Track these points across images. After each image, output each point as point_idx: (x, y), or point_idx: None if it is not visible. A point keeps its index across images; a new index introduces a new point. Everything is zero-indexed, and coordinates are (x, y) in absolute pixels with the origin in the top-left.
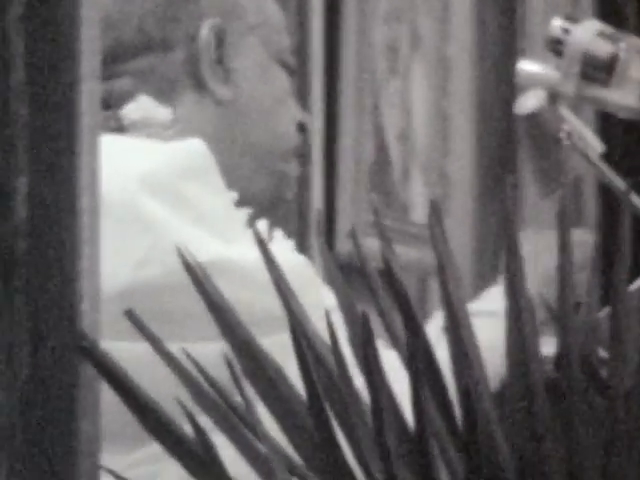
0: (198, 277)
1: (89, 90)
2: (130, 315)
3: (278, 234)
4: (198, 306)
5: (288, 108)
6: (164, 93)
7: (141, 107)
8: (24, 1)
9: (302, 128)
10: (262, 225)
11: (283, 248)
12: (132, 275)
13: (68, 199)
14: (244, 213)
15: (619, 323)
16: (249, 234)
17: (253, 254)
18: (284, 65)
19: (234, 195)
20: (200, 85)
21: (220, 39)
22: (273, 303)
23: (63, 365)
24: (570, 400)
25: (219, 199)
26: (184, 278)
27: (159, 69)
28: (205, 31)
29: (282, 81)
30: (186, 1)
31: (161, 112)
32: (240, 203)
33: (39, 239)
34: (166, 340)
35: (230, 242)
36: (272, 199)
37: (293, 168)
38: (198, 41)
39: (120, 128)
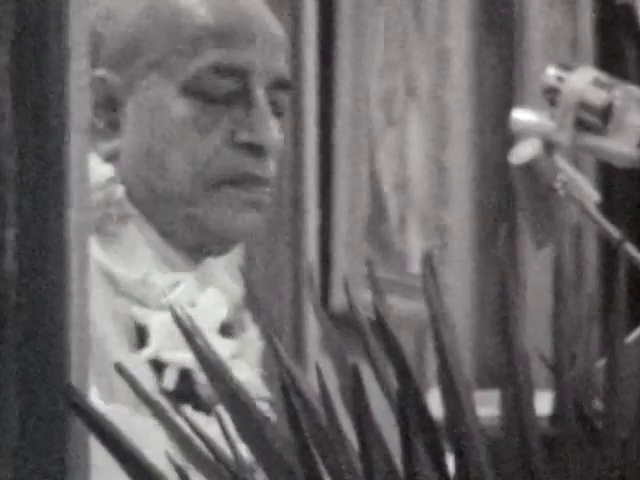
0: (189, 332)
1: (78, 141)
2: (119, 368)
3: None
4: None
5: (184, 148)
6: (102, 139)
7: None
8: (11, 50)
9: (256, 150)
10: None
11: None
12: None
13: (57, 252)
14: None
15: (615, 374)
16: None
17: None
18: (196, 93)
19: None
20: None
21: (106, 91)
22: None
23: (52, 419)
24: (565, 451)
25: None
26: None
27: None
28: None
29: (180, 120)
30: (91, 47)
31: (100, 172)
32: (177, 247)
33: (28, 291)
34: None
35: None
36: (197, 244)
37: (208, 210)
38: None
39: None
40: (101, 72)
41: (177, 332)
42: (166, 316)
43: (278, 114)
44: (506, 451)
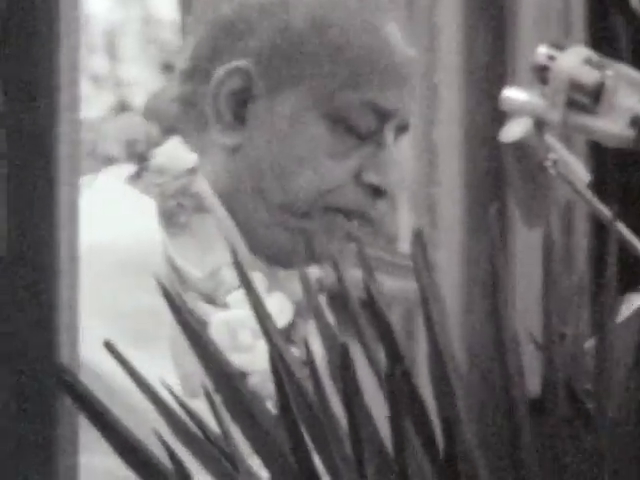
0: (175, 304)
1: (69, 120)
2: (108, 345)
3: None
4: None
5: (315, 169)
6: (195, 129)
7: (166, 152)
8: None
9: (377, 192)
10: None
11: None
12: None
13: (47, 230)
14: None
15: (605, 354)
16: None
17: None
18: (339, 122)
19: None
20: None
21: (244, 83)
22: None
23: (42, 398)
24: (555, 431)
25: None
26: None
27: (194, 101)
28: (221, 72)
29: (317, 141)
30: (237, 35)
31: (182, 160)
32: (253, 251)
33: (17, 270)
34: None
35: None
36: (286, 254)
37: (321, 227)
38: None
39: (140, 172)
40: (243, 63)
41: (237, 333)
42: (227, 315)
43: None
44: (495, 434)
